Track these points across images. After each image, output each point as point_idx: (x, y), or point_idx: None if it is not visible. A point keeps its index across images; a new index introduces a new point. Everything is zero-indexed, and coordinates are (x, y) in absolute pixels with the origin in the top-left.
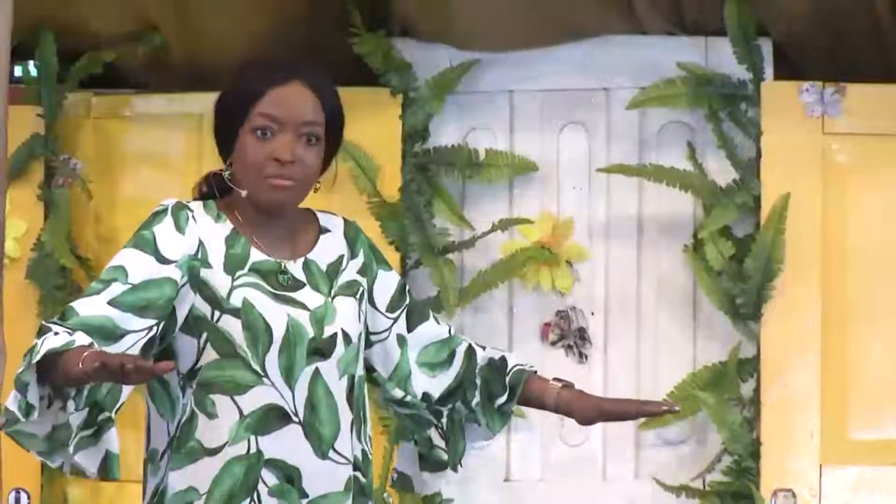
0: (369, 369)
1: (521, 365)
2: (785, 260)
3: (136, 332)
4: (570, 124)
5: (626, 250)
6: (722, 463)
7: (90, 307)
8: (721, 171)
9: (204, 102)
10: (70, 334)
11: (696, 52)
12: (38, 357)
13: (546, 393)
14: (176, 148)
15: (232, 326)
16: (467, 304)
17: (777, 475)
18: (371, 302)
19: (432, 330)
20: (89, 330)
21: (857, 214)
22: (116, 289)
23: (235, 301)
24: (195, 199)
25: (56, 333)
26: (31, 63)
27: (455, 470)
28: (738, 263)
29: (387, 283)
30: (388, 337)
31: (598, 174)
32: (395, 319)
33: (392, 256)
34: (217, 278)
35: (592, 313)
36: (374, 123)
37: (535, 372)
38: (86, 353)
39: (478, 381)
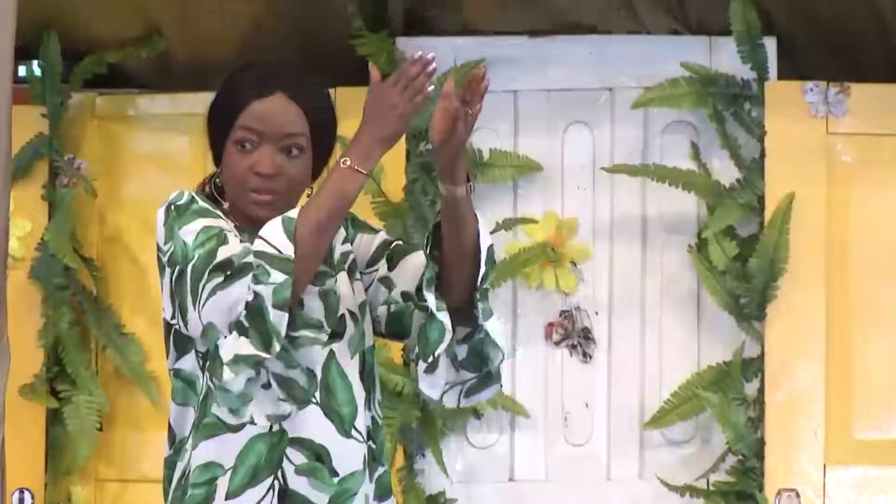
0: (379, 333)
1: None
2: (789, 260)
3: None
4: (575, 124)
5: (630, 250)
6: (726, 463)
7: (232, 249)
8: (725, 171)
9: (208, 103)
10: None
11: (701, 52)
12: (291, 251)
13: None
14: (180, 148)
15: None
16: None
17: (781, 475)
18: (356, 268)
19: (418, 259)
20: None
21: (861, 214)
22: (230, 235)
23: None
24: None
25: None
26: (35, 63)
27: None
28: (742, 263)
29: (368, 243)
30: (371, 284)
31: (603, 174)
32: (377, 269)
33: None
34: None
35: (597, 313)
36: None
37: None
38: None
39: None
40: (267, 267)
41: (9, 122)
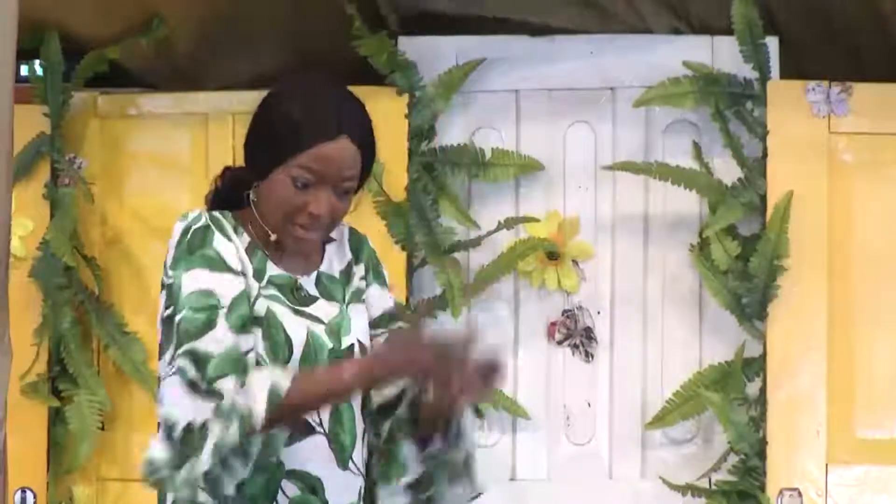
0: None
1: None
2: (791, 259)
3: (248, 352)
4: (576, 123)
5: (632, 249)
6: (728, 462)
7: (217, 344)
8: (727, 170)
9: (210, 102)
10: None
11: (703, 51)
12: (261, 419)
13: None
14: (182, 147)
15: (254, 334)
16: (473, 301)
17: (783, 474)
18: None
19: None
20: (246, 367)
21: (863, 213)
22: (221, 315)
23: (260, 309)
24: (210, 195)
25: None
26: (37, 62)
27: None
28: (744, 262)
29: (379, 299)
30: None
31: (604, 173)
32: (377, 336)
33: (398, 256)
34: (248, 285)
35: (598, 312)
36: (379, 122)
37: None
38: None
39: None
40: (229, 425)
41: (10, 121)
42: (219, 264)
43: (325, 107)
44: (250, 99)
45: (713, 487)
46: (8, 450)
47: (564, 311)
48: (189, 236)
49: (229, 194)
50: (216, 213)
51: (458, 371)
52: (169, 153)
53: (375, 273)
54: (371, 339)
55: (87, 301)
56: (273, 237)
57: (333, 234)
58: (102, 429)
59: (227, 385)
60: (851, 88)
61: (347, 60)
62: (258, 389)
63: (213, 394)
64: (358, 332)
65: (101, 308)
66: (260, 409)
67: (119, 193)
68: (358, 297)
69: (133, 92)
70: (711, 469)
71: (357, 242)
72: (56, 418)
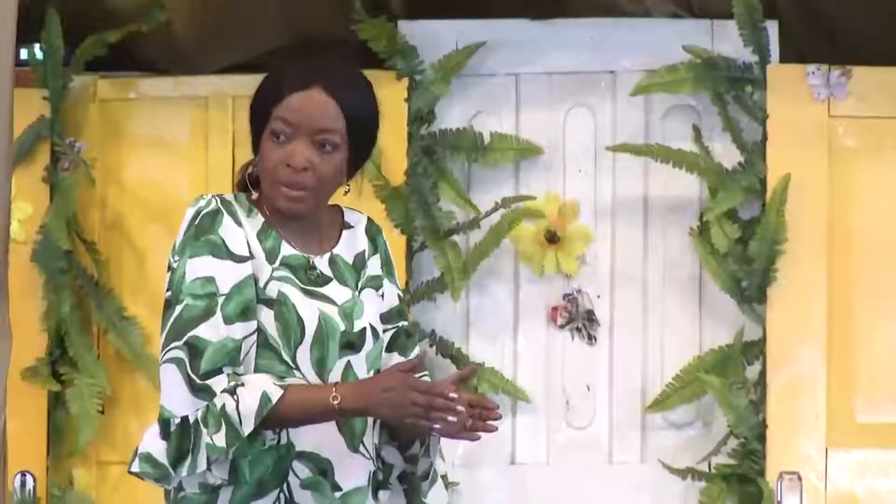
0: None
1: None
2: (790, 243)
3: (247, 337)
4: (576, 107)
5: (632, 233)
6: (728, 446)
7: (213, 332)
8: (727, 154)
9: (209, 85)
10: (233, 392)
11: (703, 35)
12: (250, 429)
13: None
14: (182, 131)
15: (265, 317)
16: (472, 285)
17: (783, 458)
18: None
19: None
20: (234, 360)
21: (862, 197)
22: (219, 303)
23: (271, 292)
24: (239, 183)
25: (237, 390)
26: (37, 46)
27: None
28: (743, 246)
29: (390, 295)
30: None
31: (604, 157)
32: (384, 331)
33: (397, 239)
34: (258, 268)
35: (598, 296)
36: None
37: None
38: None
39: None
40: (218, 429)
41: (10, 104)
42: (222, 251)
43: (301, 63)
44: (250, 82)
45: (713, 471)
46: (8, 433)
47: (566, 295)
48: (198, 220)
49: (245, 181)
50: (228, 197)
51: (447, 414)
52: (169, 137)
53: (388, 268)
54: (382, 333)
55: (86, 285)
56: (255, 195)
57: (350, 221)
58: (102, 413)
59: (219, 382)
60: (851, 72)
61: (348, 44)
62: (250, 398)
63: (206, 391)
64: (370, 316)
65: (100, 292)
66: (249, 420)
67: (119, 177)
68: (372, 283)
69: (133, 75)
70: (711, 453)
71: (374, 232)
72: (56, 402)
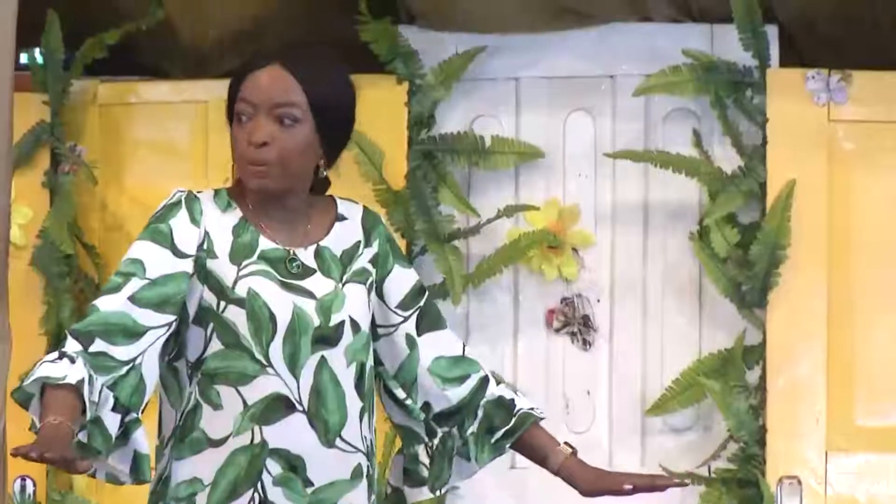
0: (376, 362)
1: (532, 409)
2: (790, 247)
3: (156, 328)
4: (576, 111)
5: (631, 237)
6: (728, 450)
7: (111, 303)
8: (727, 159)
9: (209, 89)
10: (72, 361)
11: (702, 39)
12: (29, 381)
13: (552, 452)
14: (182, 135)
15: (236, 316)
16: (473, 290)
17: (783, 462)
18: (380, 295)
19: (446, 342)
20: (111, 330)
21: (862, 201)
22: (135, 284)
23: (240, 291)
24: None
25: (57, 359)
26: (37, 50)
27: (433, 492)
28: (743, 250)
29: (402, 280)
30: (394, 332)
31: (604, 161)
32: (406, 318)
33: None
34: (223, 268)
35: (598, 300)
36: (380, 110)
37: (543, 419)
38: (41, 426)
39: (479, 413)
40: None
41: (10, 109)
42: (166, 240)
43: (269, 48)
44: None
45: (713, 475)
46: (7, 437)
47: (563, 299)
48: (159, 211)
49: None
50: (204, 193)
51: None
52: (169, 141)
53: (395, 254)
54: (404, 321)
55: (87, 289)
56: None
57: (344, 212)
58: None
59: (72, 344)
60: (851, 77)
61: (349, 48)
62: (40, 367)
63: (62, 342)
64: (351, 309)
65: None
66: (29, 380)
67: (119, 181)
68: (360, 276)
69: (132, 80)
70: (711, 457)
71: (370, 222)
72: None
